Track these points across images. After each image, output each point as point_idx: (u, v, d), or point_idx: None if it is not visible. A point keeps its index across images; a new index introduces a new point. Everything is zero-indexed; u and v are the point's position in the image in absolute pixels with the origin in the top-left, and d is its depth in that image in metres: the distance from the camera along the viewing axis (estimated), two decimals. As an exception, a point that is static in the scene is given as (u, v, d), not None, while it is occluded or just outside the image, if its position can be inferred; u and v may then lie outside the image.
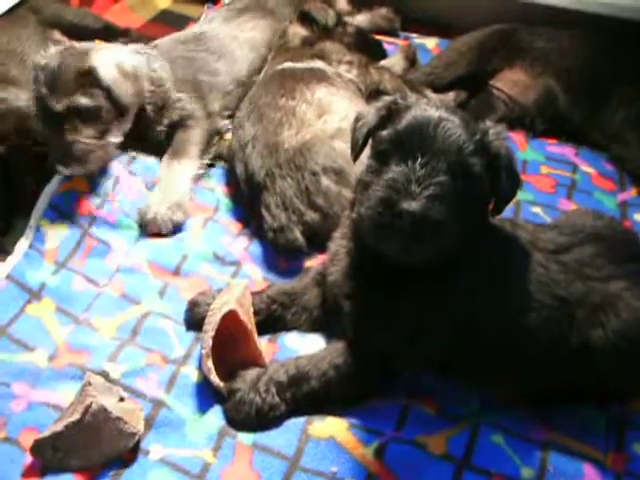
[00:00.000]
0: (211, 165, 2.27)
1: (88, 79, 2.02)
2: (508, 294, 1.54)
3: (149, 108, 2.18)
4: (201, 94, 2.31)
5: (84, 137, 2.02)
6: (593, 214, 1.76)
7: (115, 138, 2.11)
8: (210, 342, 1.58)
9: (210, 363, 1.58)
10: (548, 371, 1.56)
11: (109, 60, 2.07)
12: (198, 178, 2.20)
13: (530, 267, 1.56)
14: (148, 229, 2.03)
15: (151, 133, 2.22)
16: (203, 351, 1.60)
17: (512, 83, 2.49)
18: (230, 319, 1.62)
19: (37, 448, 1.50)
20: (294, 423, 1.58)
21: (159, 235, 2.03)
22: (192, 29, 2.59)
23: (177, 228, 2.05)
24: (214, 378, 1.59)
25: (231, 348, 1.64)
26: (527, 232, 1.63)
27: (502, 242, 1.58)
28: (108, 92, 2.03)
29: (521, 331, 1.53)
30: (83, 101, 2.01)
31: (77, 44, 2.14)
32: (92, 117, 2.03)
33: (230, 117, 2.37)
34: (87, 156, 2.02)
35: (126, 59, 2.12)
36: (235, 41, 2.51)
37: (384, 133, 1.45)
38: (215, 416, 1.59)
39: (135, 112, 2.15)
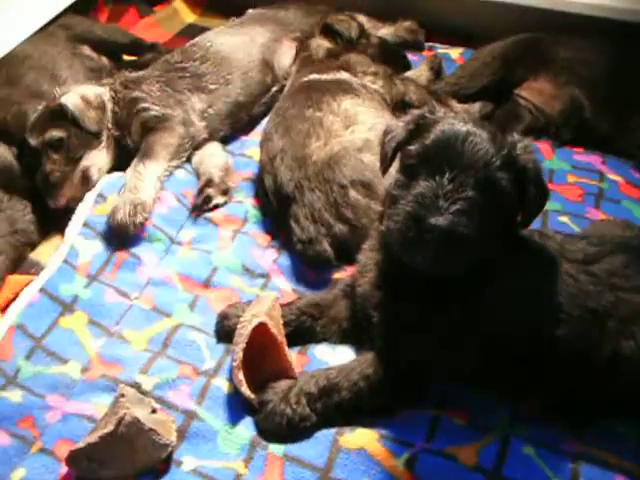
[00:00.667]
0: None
1: (58, 115, 2.19)
2: (538, 306, 1.54)
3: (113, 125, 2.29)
4: (179, 99, 2.35)
5: (57, 166, 2.17)
6: (622, 224, 1.75)
7: (92, 162, 2.22)
8: (241, 354, 1.60)
9: (241, 375, 1.60)
10: (578, 383, 1.55)
11: (74, 94, 2.24)
12: (165, 179, 2.22)
13: (559, 278, 1.55)
14: (113, 231, 2.06)
15: (134, 146, 2.29)
16: (234, 363, 1.61)
17: (537, 92, 2.49)
18: (260, 331, 1.63)
19: (72, 459, 1.52)
20: (325, 434, 1.58)
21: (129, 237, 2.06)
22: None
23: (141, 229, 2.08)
24: (245, 390, 1.60)
25: (261, 360, 1.66)
26: (555, 242, 1.62)
27: (531, 254, 1.58)
28: (74, 121, 2.19)
29: (551, 343, 1.53)
30: (54, 134, 2.18)
31: None
32: (63, 146, 2.19)
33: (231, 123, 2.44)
34: (63, 183, 2.17)
35: (88, 90, 2.28)
36: (225, 46, 2.53)
37: (412, 148, 1.46)
38: (246, 427, 1.61)
39: (110, 135, 2.28)
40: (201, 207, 2.16)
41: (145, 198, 2.09)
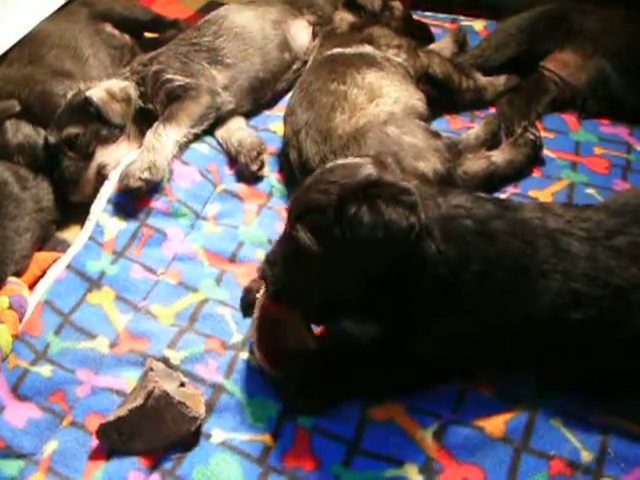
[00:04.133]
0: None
1: (79, 110, 2.21)
2: (535, 296, 1.50)
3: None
4: (199, 69, 2.35)
5: (74, 162, 2.18)
6: None
7: (109, 158, 2.22)
8: (255, 325, 1.61)
9: (258, 349, 1.61)
10: (606, 358, 1.53)
11: (99, 88, 2.24)
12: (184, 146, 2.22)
13: (565, 262, 1.50)
14: (118, 182, 2.08)
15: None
16: (252, 338, 1.63)
17: (563, 64, 2.45)
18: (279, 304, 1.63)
19: (103, 432, 1.55)
20: (353, 406, 1.58)
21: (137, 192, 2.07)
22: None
23: (152, 187, 2.08)
24: (264, 364, 1.61)
25: (283, 332, 1.65)
26: (561, 218, 1.56)
27: (511, 248, 1.50)
28: (99, 115, 2.20)
29: (571, 328, 1.50)
30: (71, 130, 2.20)
31: None
32: (79, 143, 2.20)
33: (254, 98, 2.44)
34: (79, 179, 2.19)
35: (114, 84, 2.28)
36: (238, 21, 2.52)
37: None
38: (274, 400, 1.61)
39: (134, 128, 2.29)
40: (254, 173, 2.18)
41: (160, 159, 2.09)
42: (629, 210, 1.60)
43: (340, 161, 1.54)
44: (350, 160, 1.53)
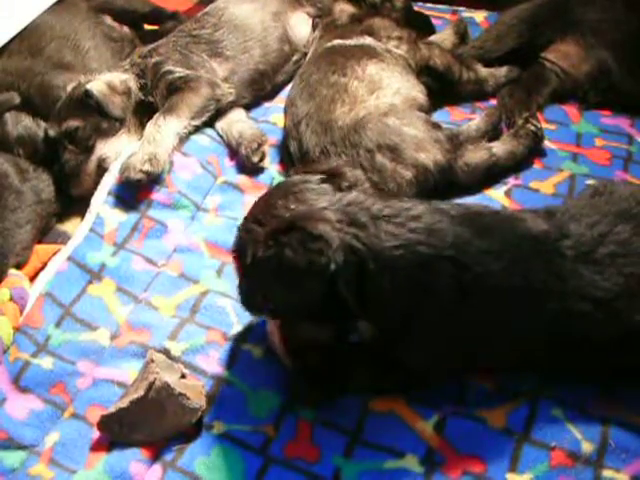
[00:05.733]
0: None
1: (79, 103, 2.20)
2: (525, 318, 1.50)
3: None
4: (198, 61, 2.34)
5: (73, 155, 2.18)
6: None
7: (109, 152, 2.20)
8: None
9: (277, 338, 1.61)
10: (596, 357, 1.54)
11: (99, 81, 2.22)
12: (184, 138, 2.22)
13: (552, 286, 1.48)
14: (119, 174, 2.07)
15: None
16: (268, 327, 1.62)
17: (564, 55, 2.44)
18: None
19: (104, 424, 1.55)
20: (353, 398, 1.58)
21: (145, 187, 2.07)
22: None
23: (152, 179, 2.07)
24: (282, 354, 1.61)
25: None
26: (542, 240, 1.52)
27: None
28: (99, 108, 2.18)
29: (563, 338, 1.51)
30: (70, 124, 2.18)
31: None
32: (79, 136, 2.19)
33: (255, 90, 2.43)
34: (79, 173, 2.18)
35: (114, 77, 2.26)
36: (237, 13, 2.51)
37: None
38: (275, 392, 1.61)
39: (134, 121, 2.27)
40: (256, 164, 2.18)
41: (160, 151, 2.09)
42: (606, 212, 1.59)
43: (275, 190, 1.58)
44: (281, 190, 1.55)
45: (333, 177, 1.54)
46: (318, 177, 1.54)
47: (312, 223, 1.40)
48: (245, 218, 1.56)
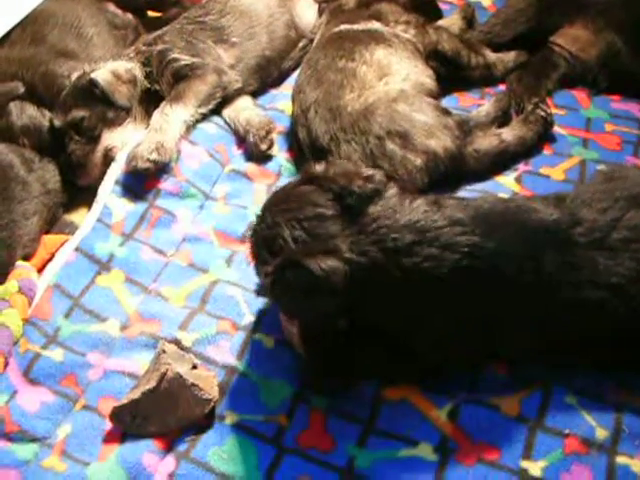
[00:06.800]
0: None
1: (84, 92, 2.18)
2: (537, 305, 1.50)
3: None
4: (204, 48, 2.32)
5: (80, 145, 2.16)
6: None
7: (116, 141, 2.19)
8: None
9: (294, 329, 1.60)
10: (614, 343, 1.53)
11: (105, 70, 2.20)
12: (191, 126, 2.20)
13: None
14: (126, 164, 2.06)
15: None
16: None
17: (573, 39, 2.41)
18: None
19: (116, 415, 1.55)
20: (367, 386, 1.58)
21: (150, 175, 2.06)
22: None
23: (160, 168, 2.06)
24: (296, 342, 1.60)
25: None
26: (557, 232, 1.51)
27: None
28: (104, 97, 2.16)
29: (577, 327, 1.50)
30: (76, 114, 2.17)
31: None
32: (85, 126, 2.17)
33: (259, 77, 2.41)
34: (86, 163, 2.17)
35: (119, 66, 2.24)
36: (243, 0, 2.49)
37: None
38: (287, 381, 1.61)
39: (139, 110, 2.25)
40: (264, 152, 2.16)
41: (168, 139, 2.07)
42: (618, 197, 1.57)
43: (283, 204, 1.55)
44: (290, 208, 1.53)
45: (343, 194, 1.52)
46: (328, 197, 1.52)
47: (317, 260, 1.40)
48: (255, 226, 1.58)
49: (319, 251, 1.42)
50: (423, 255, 1.44)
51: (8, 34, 2.42)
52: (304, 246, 1.45)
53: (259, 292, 1.79)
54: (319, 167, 1.58)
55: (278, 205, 1.55)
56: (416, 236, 1.45)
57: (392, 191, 1.54)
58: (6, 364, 1.69)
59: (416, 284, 1.45)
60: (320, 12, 2.55)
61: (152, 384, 1.53)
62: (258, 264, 1.56)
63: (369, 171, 1.55)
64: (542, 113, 2.11)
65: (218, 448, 1.51)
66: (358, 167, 1.60)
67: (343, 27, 2.26)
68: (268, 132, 2.17)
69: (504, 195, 1.92)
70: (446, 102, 2.25)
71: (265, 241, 1.51)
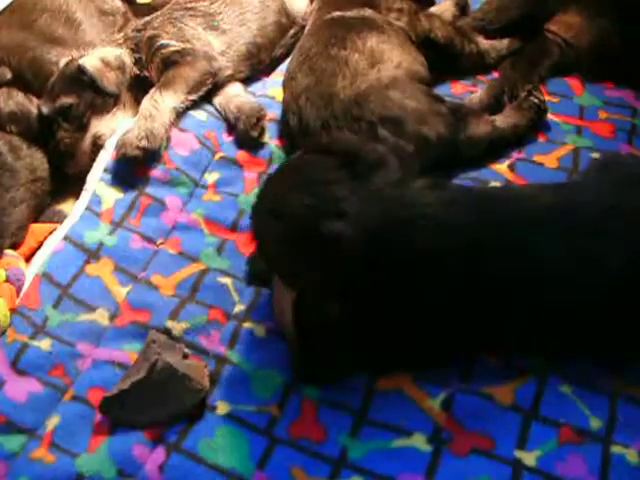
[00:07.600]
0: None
1: (72, 79, 2.16)
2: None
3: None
4: (194, 34, 2.29)
5: (68, 133, 2.14)
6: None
7: (105, 129, 2.16)
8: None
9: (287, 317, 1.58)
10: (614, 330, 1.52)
11: (93, 56, 2.18)
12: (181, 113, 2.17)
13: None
14: (115, 151, 2.04)
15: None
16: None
17: (567, 26, 2.40)
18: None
19: (105, 406, 1.52)
20: (359, 376, 1.57)
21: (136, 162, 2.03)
22: None
23: (149, 155, 2.04)
24: (290, 331, 1.58)
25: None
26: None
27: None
28: (92, 83, 2.14)
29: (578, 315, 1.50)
30: (64, 101, 2.14)
31: None
32: (73, 113, 2.15)
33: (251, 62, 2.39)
34: (74, 151, 2.15)
35: (108, 52, 2.22)
36: None
37: None
38: (279, 371, 1.59)
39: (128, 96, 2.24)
40: (255, 139, 2.14)
41: (157, 126, 2.05)
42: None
43: (289, 174, 1.57)
44: (296, 176, 1.54)
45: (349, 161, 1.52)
46: (336, 162, 1.51)
47: (327, 224, 1.40)
48: (259, 199, 1.55)
49: (328, 213, 1.42)
50: (423, 233, 1.44)
51: (-5, 19, 2.39)
52: (312, 210, 1.44)
53: (250, 281, 1.78)
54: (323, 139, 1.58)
55: (283, 175, 1.56)
56: (417, 212, 1.45)
57: (395, 165, 1.54)
58: (-7, 354, 1.67)
59: (415, 263, 1.44)
60: None
61: (142, 374, 1.51)
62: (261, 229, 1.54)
63: (372, 144, 1.55)
64: (535, 100, 2.10)
65: (209, 439, 1.49)
66: (361, 139, 1.60)
67: (335, 14, 2.23)
68: (259, 119, 2.14)
69: (497, 183, 1.92)
70: (438, 89, 2.23)
71: (270, 206, 1.51)
